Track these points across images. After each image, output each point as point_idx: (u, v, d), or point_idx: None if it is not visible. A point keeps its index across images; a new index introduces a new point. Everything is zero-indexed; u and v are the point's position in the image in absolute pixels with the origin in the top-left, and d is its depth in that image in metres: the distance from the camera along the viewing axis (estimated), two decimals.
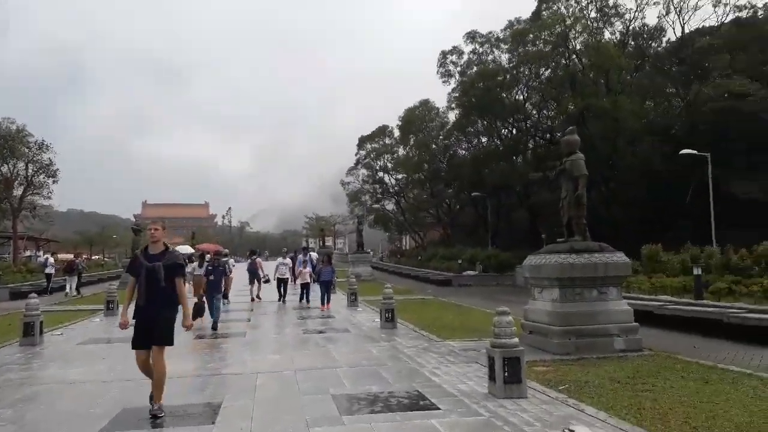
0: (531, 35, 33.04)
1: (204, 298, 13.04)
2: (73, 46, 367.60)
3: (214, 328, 12.51)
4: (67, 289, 24.67)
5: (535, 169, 40.40)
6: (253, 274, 19.89)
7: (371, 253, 41.28)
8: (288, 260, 19.40)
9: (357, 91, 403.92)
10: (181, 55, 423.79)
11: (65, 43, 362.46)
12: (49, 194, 35.85)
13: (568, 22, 33.08)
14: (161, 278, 5.88)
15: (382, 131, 61.38)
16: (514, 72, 35.24)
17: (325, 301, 16.68)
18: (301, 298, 18.36)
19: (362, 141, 62.58)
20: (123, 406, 6.37)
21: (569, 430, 5.06)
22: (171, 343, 6.13)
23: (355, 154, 62.95)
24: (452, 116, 46.45)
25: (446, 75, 42.01)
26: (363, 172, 63.07)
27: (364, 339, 11.30)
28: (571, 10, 33.94)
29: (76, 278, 25.24)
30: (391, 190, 62.98)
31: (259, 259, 20.62)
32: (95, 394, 7.06)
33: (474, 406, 6.06)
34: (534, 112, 38.02)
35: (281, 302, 18.56)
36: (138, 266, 6.06)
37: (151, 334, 5.94)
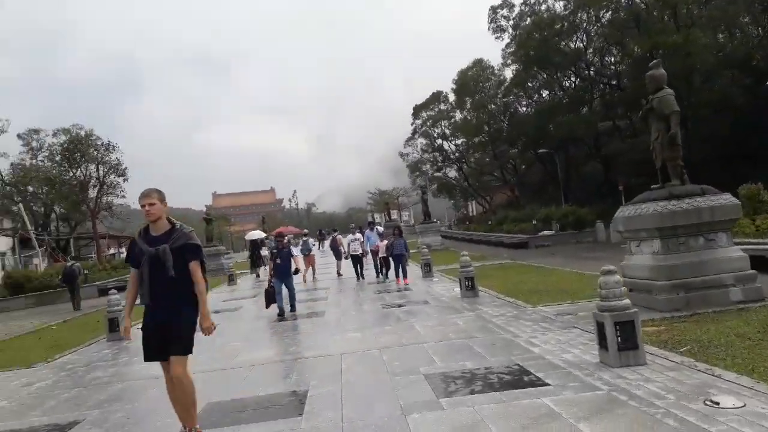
0: None
1: (272, 284, 12.24)
2: (122, 52, 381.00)
3: (293, 310, 12.33)
4: None
5: (603, 119, 38.25)
6: (336, 251, 21.03)
7: (438, 222, 40.44)
8: (359, 236, 18.54)
9: (406, 61, 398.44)
10: (225, 47, 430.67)
11: (116, 51, 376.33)
12: (123, 193, 37.21)
13: None
14: (170, 265, 4.48)
15: (437, 97, 59.95)
16: (571, 19, 33.03)
17: (402, 275, 16.11)
18: (378, 273, 18.08)
19: (417, 110, 61.44)
20: (207, 400, 6.08)
21: (712, 401, 4.27)
22: (191, 351, 4.74)
23: (411, 124, 62.03)
24: (509, 73, 44.58)
25: (498, 30, 40.18)
26: (421, 141, 62.12)
27: (447, 310, 10.72)
28: None
29: None
30: (451, 157, 61.73)
31: (339, 236, 21.77)
32: None
33: (588, 378, 5.34)
34: (596, 59, 35.64)
35: (359, 280, 17.95)
36: (137, 253, 4.65)
37: (167, 340, 4.58)
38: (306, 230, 30.36)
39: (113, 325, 11.40)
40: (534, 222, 28.51)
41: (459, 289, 12.64)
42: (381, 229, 20.31)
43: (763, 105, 28.46)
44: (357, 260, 18.24)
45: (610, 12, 31.30)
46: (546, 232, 27.42)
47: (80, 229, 43.37)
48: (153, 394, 6.62)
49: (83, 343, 11.46)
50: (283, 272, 12.27)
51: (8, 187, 34.42)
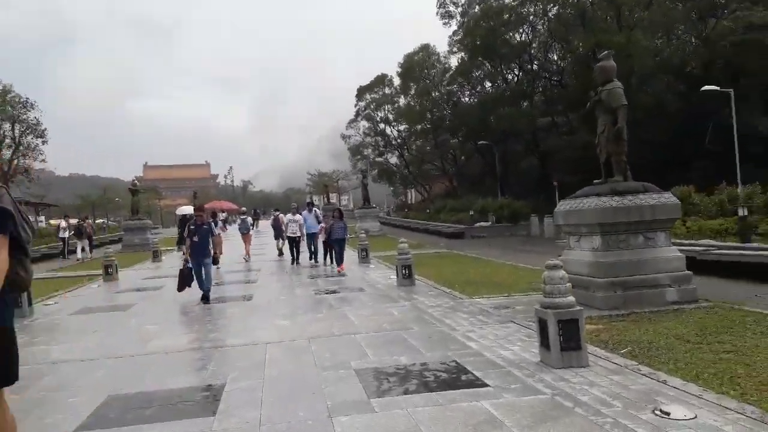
0: None
1: (189, 264, 10.87)
2: (57, 5, 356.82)
3: (205, 299, 10.61)
4: (79, 254, 24.17)
5: (543, 114, 38.88)
6: (278, 230, 20.13)
7: (377, 207, 40.10)
8: (299, 217, 17.36)
9: (350, 43, 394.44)
10: (168, 12, 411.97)
11: (45, 4, 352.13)
12: (42, 157, 34.64)
13: None
14: None
15: (381, 80, 59.36)
16: (519, 10, 33.20)
17: (340, 261, 15.20)
18: (312, 257, 17.40)
19: (361, 91, 60.67)
20: (108, 392, 5.35)
21: (662, 411, 4.01)
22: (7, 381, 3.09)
23: (355, 106, 61.22)
24: (454, 61, 44.57)
25: (446, 16, 39.91)
26: (364, 124, 61.48)
27: (382, 299, 10.29)
28: None
29: (86, 241, 24.85)
30: (393, 143, 61.47)
31: (281, 215, 20.57)
32: (78, 376, 6.05)
33: (529, 380, 5.01)
34: (540, 53, 36.06)
35: (294, 264, 17.07)
36: None
37: None
38: (244, 208, 29.33)
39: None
40: (471, 213, 28.64)
41: (395, 277, 12.26)
42: (319, 212, 19.36)
43: (696, 112, 29.64)
44: (294, 242, 17.45)
45: (557, 7, 31.63)
46: (482, 224, 27.59)
47: None
48: (49, 380, 5.79)
49: None
50: (199, 251, 10.76)
51: None
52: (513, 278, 12.07)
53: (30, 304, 10.49)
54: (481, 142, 39.74)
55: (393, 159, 64.70)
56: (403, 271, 11.75)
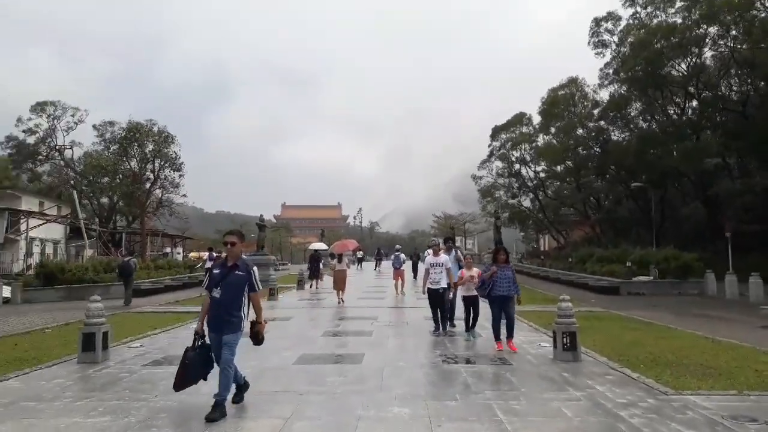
0: None
1: (200, 342, 5.99)
2: (215, 60, 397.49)
3: (217, 412, 5.67)
4: None
5: (717, 153, 32.94)
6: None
7: (512, 254, 36.51)
8: (444, 258, 11.33)
9: (485, 89, 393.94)
10: (308, 63, 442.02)
11: (206, 59, 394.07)
12: (179, 191, 35.98)
13: None
14: None
15: (519, 119, 55.97)
16: (694, 31, 28.52)
17: (511, 333, 9.68)
18: (468, 325, 10.83)
19: (496, 131, 57.63)
20: None
21: None
22: None
23: (488, 146, 58.17)
24: (605, 95, 40.09)
25: (600, 45, 35.95)
26: (497, 164, 58.06)
27: (540, 381, 7.27)
28: None
29: None
30: (528, 184, 57.31)
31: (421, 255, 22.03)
32: None
33: None
34: (714, 79, 30.64)
35: (439, 331, 11.41)
36: None
37: None
38: (399, 246, 29.40)
39: (89, 343, 8.66)
40: (628, 264, 24.18)
41: (550, 345, 9.17)
42: (461, 254, 13.37)
43: None
44: (437, 299, 11.30)
45: (741, 27, 26.41)
46: (642, 278, 23.05)
47: (139, 225, 42.45)
48: None
49: (51, 359, 8.81)
50: (221, 318, 5.84)
51: (71, 172, 33.57)
52: (724, 360, 8.45)
53: (105, 347, 8.83)
54: (635, 184, 34.82)
55: (526, 202, 60.46)
56: (564, 340, 8.63)
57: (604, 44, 35.92)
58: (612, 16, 35.36)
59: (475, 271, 10.71)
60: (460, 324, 11.53)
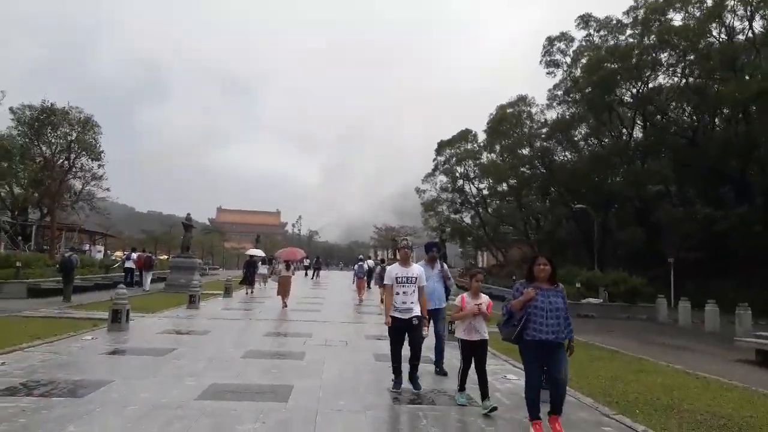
0: (671, 8, 26.10)
1: None
2: (153, 56, 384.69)
3: None
4: (145, 286, 24.63)
5: (663, 179, 32.87)
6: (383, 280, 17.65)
7: (452, 268, 35.26)
8: (417, 270, 7.12)
9: (422, 109, 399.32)
10: (251, 69, 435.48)
11: (146, 54, 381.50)
12: (101, 184, 32.77)
13: None
14: None
15: (464, 136, 55.52)
16: (647, 56, 28.34)
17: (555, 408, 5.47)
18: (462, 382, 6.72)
19: (441, 146, 57.00)
20: None
21: None
22: None
23: (433, 160, 57.47)
24: (554, 115, 39.92)
25: (552, 65, 35.71)
26: (441, 179, 57.39)
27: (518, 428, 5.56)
28: None
29: (151, 274, 25.67)
30: (471, 201, 56.89)
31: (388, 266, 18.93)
32: None
33: None
34: (672, 104, 30.68)
35: (399, 389, 7.11)
36: None
37: None
38: (362, 255, 29.81)
39: None
40: (578, 285, 23.23)
41: (518, 378, 7.49)
42: (447, 267, 8.84)
43: None
44: (402, 333, 7.06)
45: (693, 54, 26.36)
46: (592, 300, 22.15)
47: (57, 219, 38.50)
48: None
49: None
50: None
51: None
52: (729, 405, 7.12)
53: None
54: (578, 205, 34.49)
55: (468, 218, 60.02)
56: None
57: (556, 64, 35.68)
58: (565, 37, 35.20)
59: (485, 299, 6.58)
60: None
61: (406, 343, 7.10)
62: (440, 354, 8.29)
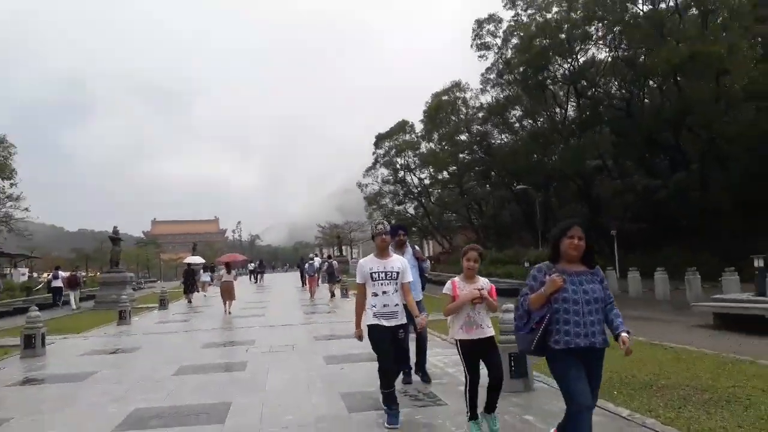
0: None
1: None
2: (73, 75, 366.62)
3: None
4: (73, 305, 24.11)
5: (600, 153, 33.18)
6: (332, 276, 21.76)
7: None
8: (399, 262, 5.31)
9: (361, 106, 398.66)
10: (180, 78, 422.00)
11: (66, 73, 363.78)
12: (19, 204, 30.73)
13: None
14: None
15: (402, 127, 55.22)
16: (575, 31, 28.50)
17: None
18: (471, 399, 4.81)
19: (380, 138, 56.50)
20: None
21: None
22: None
23: (373, 153, 56.95)
24: (489, 98, 39.92)
25: (483, 47, 35.48)
26: (382, 172, 56.94)
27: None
28: None
29: (78, 292, 25.15)
30: (414, 191, 56.71)
31: (334, 262, 23.85)
32: None
33: None
34: (604, 77, 30.96)
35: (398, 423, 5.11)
36: None
37: None
38: (312, 254, 33.80)
39: None
40: (526, 264, 23.09)
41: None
42: (417, 248, 8.14)
43: None
44: (389, 342, 5.13)
45: (620, 24, 26.60)
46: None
47: None
48: None
49: None
50: None
51: None
52: (707, 377, 6.70)
53: None
54: (519, 186, 34.65)
55: (411, 209, 59.92)
56: (511, 365, 6.33)
57: (487, 46, 35.53)
58: (493, 18, 35.06)
59: (484, 283, 4.80)
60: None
61: None
62: (423, 355, 6.93)
